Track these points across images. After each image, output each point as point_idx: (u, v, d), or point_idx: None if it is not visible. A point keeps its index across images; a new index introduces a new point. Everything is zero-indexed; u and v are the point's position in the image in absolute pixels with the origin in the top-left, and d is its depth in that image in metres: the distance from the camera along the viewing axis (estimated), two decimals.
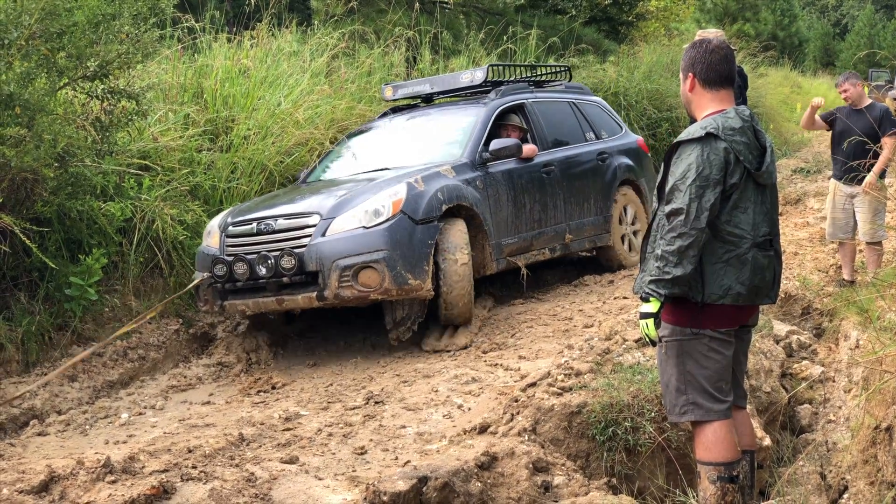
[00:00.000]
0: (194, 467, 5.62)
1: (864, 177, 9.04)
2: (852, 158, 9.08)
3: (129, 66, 8.73)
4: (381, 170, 9.44)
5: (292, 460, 5.93)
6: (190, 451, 6.12)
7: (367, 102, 13.37)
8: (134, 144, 9.91)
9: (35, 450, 6.63)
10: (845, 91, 9.54)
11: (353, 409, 7.03)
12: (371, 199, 8.30)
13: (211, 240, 8.81)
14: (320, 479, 5.65)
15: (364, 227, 8.12)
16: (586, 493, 5.42)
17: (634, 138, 11.93)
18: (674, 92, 17.92)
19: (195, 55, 12.55)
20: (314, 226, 8.21)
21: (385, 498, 5.02)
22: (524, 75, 11.41)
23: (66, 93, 8.97)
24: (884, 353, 5.72)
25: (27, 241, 7.77)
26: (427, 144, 9.88)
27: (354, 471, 5.83)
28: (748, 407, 5.92)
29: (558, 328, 8.53)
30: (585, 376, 6.42)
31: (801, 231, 12.13)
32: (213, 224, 8.96)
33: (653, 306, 4.32)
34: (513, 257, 9.43)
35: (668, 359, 4.45)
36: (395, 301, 8.38)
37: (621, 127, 11.86)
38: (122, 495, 5.14)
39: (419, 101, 11.34)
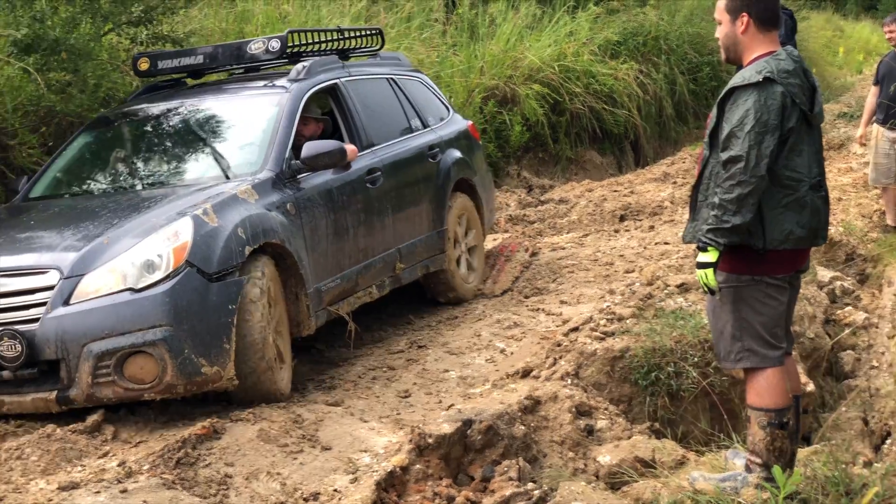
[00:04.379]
0: (243, 409, 5.71)
1: None
2: None
3: (172, 11, 8.78)
4: (144, 187, 6.76)
5: (337, 403, 6.03)
6: None
7: (408, 48, 13.33)
8: None
9: None
10: (891, 32, 9.41)
11: (396, 353, 7.11)
12: (139, 244, 5.66)
13: None
14: (365, 422, 5.75)
15: (132, 289, 5.53)
16: (629, 437, 5.46)
17: (464, 123, 9.21)
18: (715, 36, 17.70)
19: (235, 1, 12.55)
20: (51, 287, 5.56)
21: (430, 440, 5.08)
22: (329, 44, 8.14)
23: (111, 38, 9.02)
24: None
25: None
26: (209, 148, 7.10)
27: (399, 413, 5.92)
28: (793, 353, 5.93)
29: (599, 273, 8.55)
30: (628, 321, 6.44)
31: (844, 176, 12.03)
32: None
33: (711, 256, 4.30)
34: (334, 305, 6.82)
35: (722, 305, 4.44)
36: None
37: (448, 109, 9.15)
38: (174, 435, 5.25)
39: (186, 77, 8.18)
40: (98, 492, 4.59)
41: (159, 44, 8.81)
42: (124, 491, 4.61)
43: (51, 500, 4.55)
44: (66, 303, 5.53)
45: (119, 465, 4.92)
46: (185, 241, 5.67)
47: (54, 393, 5.51)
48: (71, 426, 5.41)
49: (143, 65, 7.84)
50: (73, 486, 4.68)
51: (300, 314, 6.46)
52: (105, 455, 5.19)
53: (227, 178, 6.59)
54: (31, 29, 7.52)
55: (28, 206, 6.79)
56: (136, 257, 5.60)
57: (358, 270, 7.08)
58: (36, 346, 5.48)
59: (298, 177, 6.69)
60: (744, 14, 4.43)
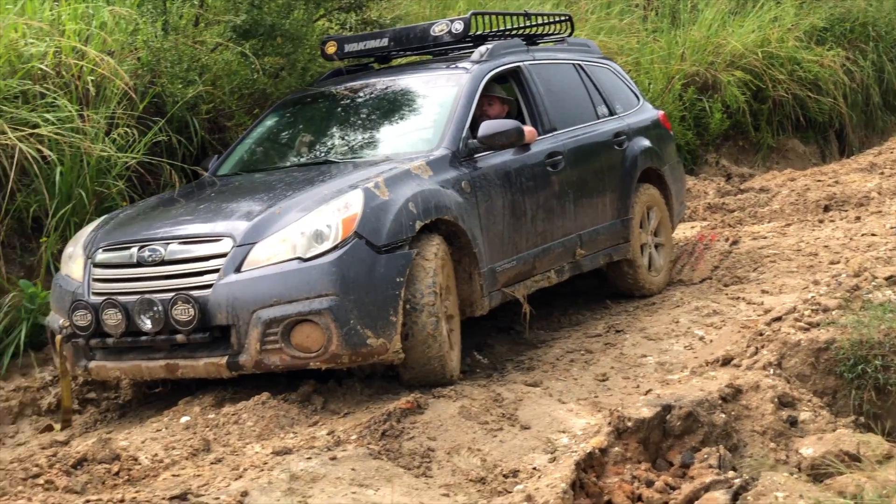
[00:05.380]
0: (445, 387, 5.86)
1: None
2: None
3: None
4: (322, 164, 6.87)
5: (536, 383, 6.12)
6: None
7: (607, 34, 13.30)
8: None
9: None
10: None
11: (594, 336, 7.15)
12: (310, 214, 5.77)
13: (73, 267, 6.22)
14: (563, 403, 5.83)
15: (300, 258, 5.64)
16: (833, 430, 5.35)
17: (654, 112, 9.12)
18: None
19: None
20: (224, 255, 5.72)
21: (629, 423, 5.10)
22: (513, 25, 8.21)
23: (322, 24, 9.29)
24: None
25: None
26: (387, 126, 7.22)
27: (596, 396, 5.97)
28: None
29: (802, 264, 8.38)
30: (833, 312, 6.29)
31: None
32: (78, 242, 6.35)
33: None
34: (510, 287, 6.79)
35: None
36: None
37: (638, 97, 9.04)
38: (379, 408, 5.45)
39: (372, 61, 8.36)
40: (309, 458, 4.80)
41: (368, 29, 9.04)
42: (333, 458, 4.80)
43: (266, 464, 4.77)
44: (238, 270, 5.66)
45: (328, 434, 5.13)
46: (355, 212, 5.73)
47: (225, 358, 5.64)
48: (283, 395, 5.67)
49: (331, 48, 7.98)
50: (286, 451, 4.91)
51: (473, 294, 6.46)
52: (315, 424, 5.43)
53: (404, 155, 6.61)
54: (250, 15, 7.84)
55: (213, 181, 7.07)
56: (306, 227, 5.69)
57: (535, 254, 7.04)
58: (208, 312, 5.61)
59: (475, 156, 6.70)
60: None
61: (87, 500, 4.25)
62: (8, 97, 7.29)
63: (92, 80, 7.54)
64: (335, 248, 5.62)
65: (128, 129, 7.48)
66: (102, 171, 7.34)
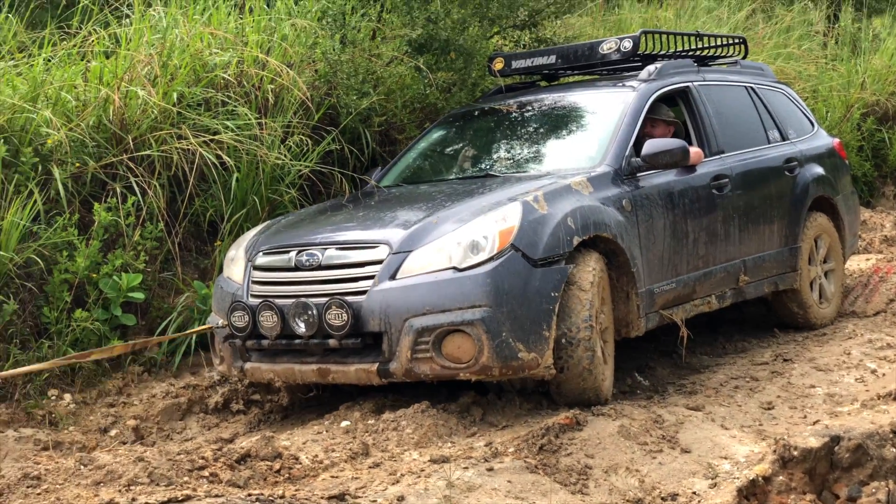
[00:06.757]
0: (603, 404, 5.81)
1: None
2: None
3: (556, 15, 8.98)
4: (482, 177, 6.87)
5: (698, 408, 6.01)
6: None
7: (785, 60, 13.04)
8: None
9: None
10: None
11: (760, 364, 7.00)
12: (467, 225, 5.74)
13: (234, 269, 6.38)
14: (726, 429, 5.71)
15: (455, 268, 5.59)
16: None
17: (829, 140, 8.79)
18: None
19: (615, 9, 12.70)
20: (380, 262, 5.73)
21: (795, 453, 4.96)
22: (684, 47, 8.05)
23: (496, 41, 9.37)
24: None
25: None
26: (550, 142, 7.19)
27: (761, 424, 5.84)
28: None
29: None
30: None
31: None
32: (241, 245, 6.50)
33: None
34: (668, 310, 6.64)
35: None
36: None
37: (813, 124, 8.73)
38: (538, 422, 5.46)
39: (539, 79, 8.45)
40: (466, 467, 4.82)
41: (542, 47, 9.06)
42: (490, 469, 4.81)
43: (423, 471, 4.81)
44: (393, 277, 5.64)
45: (486, 446, 5.14)
46: (512, 225, 5.67)
47: (376, 365, 5.62)
48: (442, 405, 5.71)
49: (498, 64, 8.00)
50: (444, 459, 4.93)
51: (630, 314, 6.33)
52: (473, 435, 5.45)
53: (565, 171, 6.53)
54: (426, 30, 7.98)
55: (375, 191, 7.15)
56: (463, 237, 5.65)
57: (696, 277, 6.88)
58: (361, 318, 5.60)
59: (638, 174, 6.60)
60: None
61: (249, 494, 4.34)
62: (191, 104, 7.58)
63: (271, 90, 7.76)
64: (491, 259, 5.58)
65: (302, 138, 7.67)
66: (276, 179, 7.55)
